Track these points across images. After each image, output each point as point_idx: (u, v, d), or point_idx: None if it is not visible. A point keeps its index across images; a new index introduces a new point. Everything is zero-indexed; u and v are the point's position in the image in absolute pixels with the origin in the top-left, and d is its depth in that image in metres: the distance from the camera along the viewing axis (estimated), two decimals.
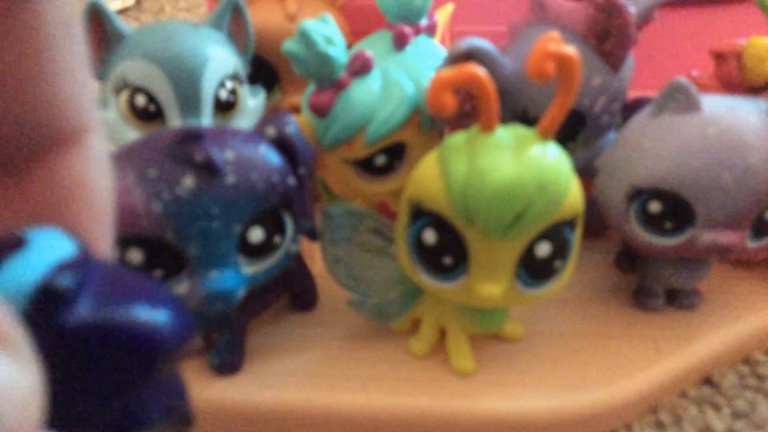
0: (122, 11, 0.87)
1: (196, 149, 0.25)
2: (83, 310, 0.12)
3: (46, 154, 0.14)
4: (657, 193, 0.30)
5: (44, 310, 0.12)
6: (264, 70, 0.41)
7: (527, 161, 0.25)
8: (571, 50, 0.23)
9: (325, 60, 0.30)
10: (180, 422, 0.14)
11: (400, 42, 0.34)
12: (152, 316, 0.12)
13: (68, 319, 0.12)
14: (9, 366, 0.10)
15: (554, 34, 0.24)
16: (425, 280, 0.28)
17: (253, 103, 0.38)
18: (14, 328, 0.10)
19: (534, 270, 0.27)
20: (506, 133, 0.26)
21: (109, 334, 0.12)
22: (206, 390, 0.30)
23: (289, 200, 0.28)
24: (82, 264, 0.12)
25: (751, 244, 0.31)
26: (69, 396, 0.12)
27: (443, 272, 0.28)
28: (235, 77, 0.36)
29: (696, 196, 0.29)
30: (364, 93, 0.32)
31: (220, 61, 0.35)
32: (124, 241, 0.25)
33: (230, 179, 0.26)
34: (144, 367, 0.13)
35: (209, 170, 0.25)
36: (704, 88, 0.40)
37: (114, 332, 0.12)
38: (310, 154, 0.29)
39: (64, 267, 0.12)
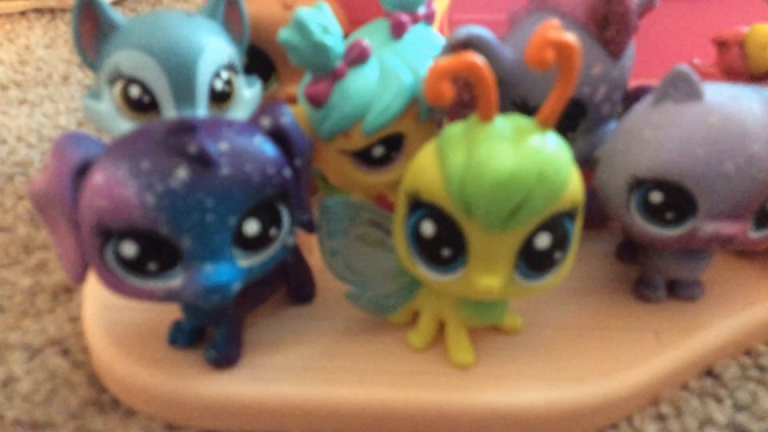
0: (118, 2, 0.86)
1: (189, 140, 0.25)
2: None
3: None
4: (658, 184, 0.30)
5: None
6: (260, 60, 0.41)
7: (527, 151, 0.24)
8: (571, 38, 0.23)
9: (321, 49, 0.30)
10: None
11: (397, 31, 0.34)
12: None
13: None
14: None
15: (554, 21, 0.24)
16: (423, 272, 0.28)
17: (248, 93, 0.37)
18: None
19: (534, 262, 0.27)
20: (505, 123, 0.25)
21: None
22: (203, 384, 0.30)
23: (285, 192, 0.28)
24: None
25: (754, 235, 0.31)
26: None
27: (441, 264, 0.27)
28: (230, 67, 0.36)
29: (698, 186, 0.29)
30: (361, 83, 0.31)
31: (215, 51, 0.34)
32: (118, 233, 0.25)
33: (225, 171, 0.25)
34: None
35: (203, 162, 0.25)
36: (706, 76, 0.40)
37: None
38: (307, 145, 0.29)
39: None
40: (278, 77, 0.42)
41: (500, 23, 0.36)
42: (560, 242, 0.27)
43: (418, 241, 0.27)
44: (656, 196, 0.30)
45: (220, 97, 0.35)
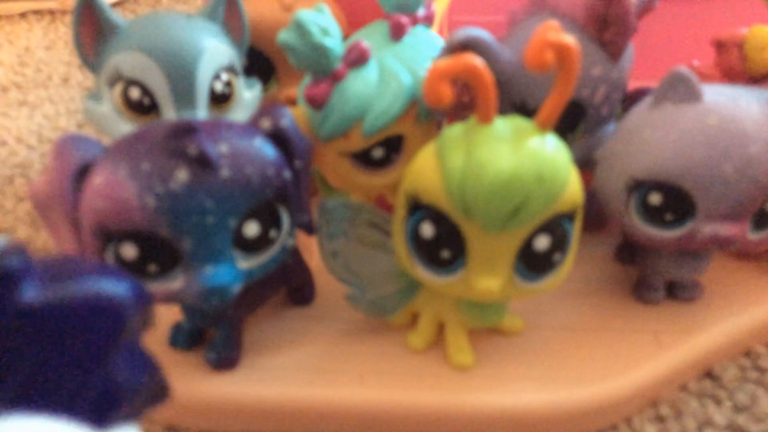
0: (118, 3, 0.86)
1: (189, 142, 0.25)
2: (35, 289, 0.12)
3: None
4: (657, 185, 0.30)
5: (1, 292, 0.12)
6: (260, 62, 0.41)
7: (526, 153, 0.24)
8: (570, 40, 0.23)
9: (320, 51, 0.30)
10: (156, 394, 0.15)
11: (397, 32, 0.34)
12: (105, 285, 0.13)
13: (24, 298, 0.12)
14: None
15: (553, 23, 0.24)
16: (423, 273, 0.28)
17: (248, 95, 0.37)
18: None
19: (533, 263, 0.27)
20: (504, 125, 0.26)
21: (67, 307, 0.13)
22: (203, 386, 0.30)
23: (284, 194, 0.28)
24: (20, 250, 0.13)
25: (753, 236, 0.31)
26: (47, 375, 0.12)
27: (441, 266, 0.27)
28: (230, 69, 0.36)
29: (697, 187, 0.29)
30: (361, 84, 0.31)
31: (215, 52, 0.34)
32: (118, 235, 0.25)
33: (224, 173, 0.25)
34: (109, 334, 0.13)
35: (203, 164, 0.25)
36: (705, 77, 0.40)
37: (72, 304, 0.13)
38: (306, 146, 0.29)
39: (2, 253, 0.12)
40: (278, 79, 0.42)
41: (499, 25, 0.36)
42: (559, 244, 0.27)
43: (417, 243, 0.27)
44: (655, 198, 0.30)
45: (220, 99, 0.35)
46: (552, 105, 0.25)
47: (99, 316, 0.13)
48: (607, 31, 0.32)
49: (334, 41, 0.30)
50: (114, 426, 0.14)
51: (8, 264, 0.12)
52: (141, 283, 0.14)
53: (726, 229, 0.30)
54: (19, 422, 0.12)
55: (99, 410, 0.13)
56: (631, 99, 0.35)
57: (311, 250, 0.38)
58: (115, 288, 0.13)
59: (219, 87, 0.35)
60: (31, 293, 0.12)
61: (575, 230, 0.27)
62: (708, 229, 0.30)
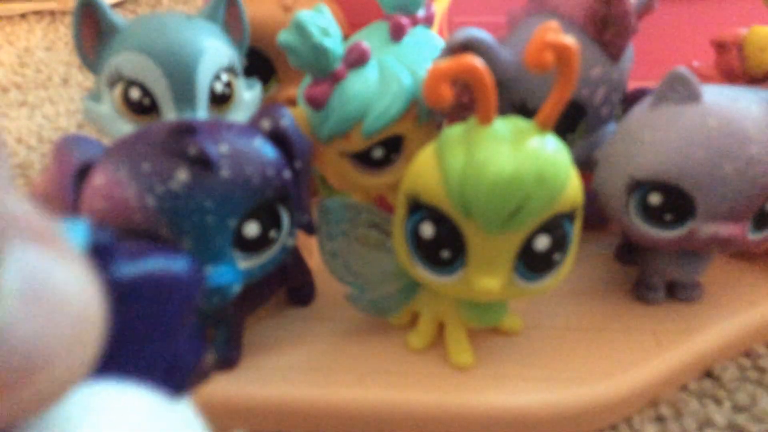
0: (118, 4, 0.86)
1: (189, 143, 0.25)
2: (124, 262, 0.13)
3: None
4: (657, 185, 0.30)
5: (97, 267, 0.13)
6: (260, 62, 0.41)
7: (526, 153, 0.24)
8: (570, 40, 0.23)
9: (320, 51, 0.30)
10: (203, 372, 0.16)
11: (397, 33, 0.34)
12: (177, 264, 0.14)
13: (118, 271, 0.13)
14: (65, 270, 0.10)
15: (553, 23, 0.24)
16: (423, 273, 0.28)
17: (248, 95, 0.37)
18: (56, 228, 0.11)
19: (533, 263, 0.27)
20: (504, 125, 0.26)
21: (153, 279, 0.14)
22: (203, 385, 0.30)
23: (285, 194, 0.28)
24: (106, 229, 0.14)
25: (753, 237, 0.31)
26: (130, 345, 0.14)
27: (441, 266, 0.27)
28: (230, 70, 0.36)
29: (696, 187, 0.29)
30: (361, 85, 0.31)
31: (215, 53, 0.34)
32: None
33: (224, 173, 0.25)
34: (182, 306, 0.14)
35: (203, 164, 0.25)
36: (705, 78, 0.40)
37: (156, 277, 0.14)
38: (306, 147, 0.29)
39: (94, 232, 0.13)
40: (278, 79, 0.42)
41: (499, 25, 0.36)
42: (559, 244, 0.27)
43: (417, 243, 0.27)
44: (655, 198, 0.30)
45: (220, 100, 0.35)
46: (552, 105, 0.25)
47: (175, 289, 0.14)
48: (607, 31, 0.32)
49: (333, 42, 0.30)
50: (182, 397, 0.15)
51: (102, 239, 0.13)
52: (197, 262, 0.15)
53: (726, 230, 0.30)
54: (106, 388, 0.13)
55: (171, 380, 0.14)
56: (630, 99, 0.35)
57: (311, 250, 0.38)
58: (186, 264, 0.14)
59: (219, 87, 0.35)
60: (119, 268, 0.13)
61: (575, 230, 0.27)
62: (708, 229, 0.30)
